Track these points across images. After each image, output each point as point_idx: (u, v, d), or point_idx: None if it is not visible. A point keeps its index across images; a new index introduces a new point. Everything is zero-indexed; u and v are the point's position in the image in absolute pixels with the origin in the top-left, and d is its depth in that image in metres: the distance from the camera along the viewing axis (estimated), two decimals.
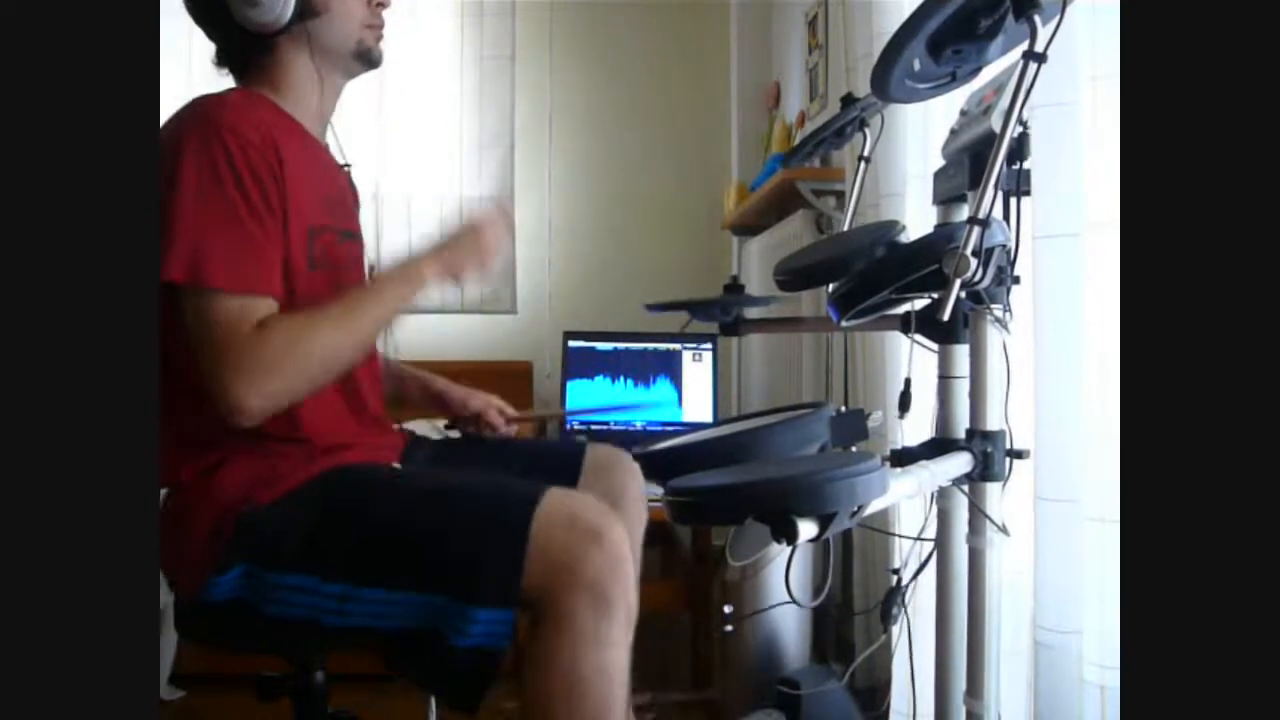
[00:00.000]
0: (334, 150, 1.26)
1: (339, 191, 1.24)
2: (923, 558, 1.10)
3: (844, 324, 1.00)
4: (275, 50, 1.15)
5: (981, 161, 0.96)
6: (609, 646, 0.97)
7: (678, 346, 2.33)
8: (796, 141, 2.38)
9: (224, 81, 1.19)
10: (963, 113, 1.06)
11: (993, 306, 0.95)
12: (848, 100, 1.26)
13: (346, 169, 1.29)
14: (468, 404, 1.41)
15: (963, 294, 0.86)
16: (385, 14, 1.21)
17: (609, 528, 0.99)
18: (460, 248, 1.13)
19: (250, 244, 1.01)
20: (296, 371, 1.00)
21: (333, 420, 1.14)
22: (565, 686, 0.96)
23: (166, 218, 0.98)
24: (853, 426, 1.02)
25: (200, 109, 1.05)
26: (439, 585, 0.99)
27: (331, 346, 1.03)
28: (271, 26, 1.11)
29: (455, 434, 1.45)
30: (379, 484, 1.09)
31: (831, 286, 1.05)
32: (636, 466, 1.32)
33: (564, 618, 0.96)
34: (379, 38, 1.21)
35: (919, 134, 1.53)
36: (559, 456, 1.33)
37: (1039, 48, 0.81)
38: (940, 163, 1.10)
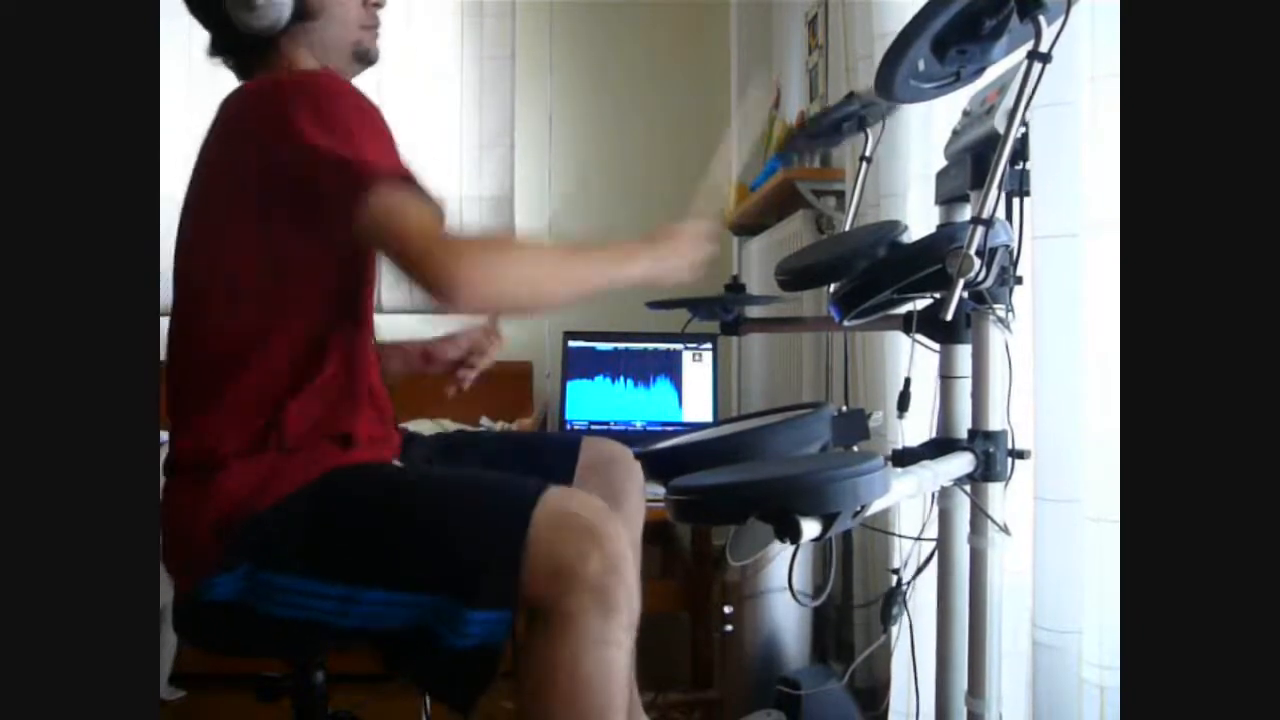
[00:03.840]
0: None
1: None
2: (923, 558, 1.11)
3: (846, 324, 1.01)
4: (278, 50, 1.16)
5: (984, 162, 0.96)
6: (610, 646, 0.96)
7: (678, 346, 2.33)
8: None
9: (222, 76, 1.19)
10: (965, 113, 1.06)
11: (995, 306, 0.95)
12: (852, 97, 1.26)
13: None
14: (455, 343, 1.40)
15: (965, 294, 0.87)
16: (381, 13, 1.22)
17: (608, 527, 0.98)
18: (671, 247, 1.12)
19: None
20: (515, 272, 1.01)
21: (348, 409, 1.13)
22: (566, 688, 0.95)
23: (328, 144, 0.98)
24: (854, 426, 1.02)
25: (295, 78, 1.08)
26: (437, 586, 0.98)
27: (551, 272, 1.05)
28: (269, 31, 1.12)
29: (450, 429, 1.45)
30: (380, 484, 1.09)
31: (833, 286, 1.05)
32: (636, 463, 1.32)
33: (566, 619, 0.95)
34: (375, 36, 1.22)
35: (920, 134, 1.53)
36: (555, 451, 1.32)
37: (1044, 48, 0.81)
38: (942, 163, 1.10)
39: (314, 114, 0.99)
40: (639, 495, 1.31)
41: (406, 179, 1.00)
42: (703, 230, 1.16)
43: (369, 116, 1.04)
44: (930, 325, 1.02)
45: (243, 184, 1.04)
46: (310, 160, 0.98)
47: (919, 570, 1.12)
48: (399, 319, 2.83)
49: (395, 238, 0.98)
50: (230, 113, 1.09)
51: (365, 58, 1.21)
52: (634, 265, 1.10)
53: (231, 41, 1.16)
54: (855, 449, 1.02)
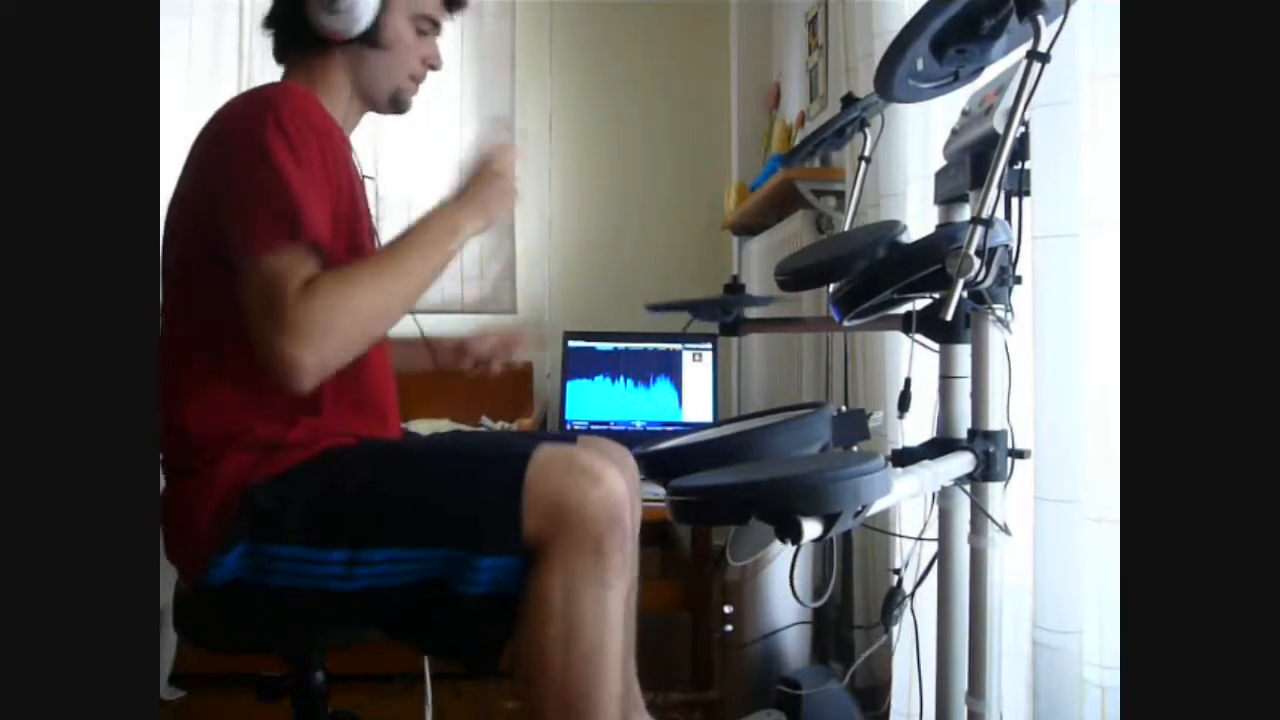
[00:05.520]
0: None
1: (363, 193, 1.26)
2: (923, 557, 1.10)
3: (846, 324, 1.00)
4: (327, 59, 1.18)
5: (983, 162, 0.96)
6: (604, 587, 0.98)
7: (678, 346, 2.33)
8: (797, 142, 2.38)
9: (224, 76, 1.19)
10: (964, 113, 1.06)
11: (995, 306, 0.95)
12: (848, 100, 1.26)
13: (368, 179, 1.31)
14: (485, 340, 1.41)
15: (965, 294, 0.86)
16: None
17: (606, 471, 1.00)
18: (487, 191, 1.10)
19: (299, 198, 1.00)
20: (349, 326, 0.98)
21: (342, 416, 1.14)
22: (560, 625, 0.97)
23: (246, 193, 0.99)
24: (854, 426, 1.02)
25: (265, 96, 1.07)
26: (442, 538, 1.00)
27: (380, 298, 1.01)
28: (337, 35, 1.14)
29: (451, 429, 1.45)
30: (377, 451, 1.10)
31: (833, 286, 1.05)
32: (632, 459, 1.33)
33: (560, 557, 0.97)
34: (416, 91, 1.26)
35: (920, 134, 1.53)
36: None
37: (1042, 47, 0.81)
38: (941, 163, 1.10)
39: (267, 140, 1.00)
40: (636, 491, 1.31)
41: (298, 239, 0.98)
42: (504, 155, 1.13)
43: (308, 157, 1.03)
44: (930, 325, 1.02)
45: (210, 179, 1.05)
46: (240, 191, 1.00)
47: (921, 578, 1.12)
48: (450, 318, 2.82)
49: (261, 308, 0.96)
50: (220, 112, 1.09)
51: (399, 105, 1.26)
52: (459, 229, 1.07)
53: (297, 36, 1.17)
54: (855, 449, 1.02)
